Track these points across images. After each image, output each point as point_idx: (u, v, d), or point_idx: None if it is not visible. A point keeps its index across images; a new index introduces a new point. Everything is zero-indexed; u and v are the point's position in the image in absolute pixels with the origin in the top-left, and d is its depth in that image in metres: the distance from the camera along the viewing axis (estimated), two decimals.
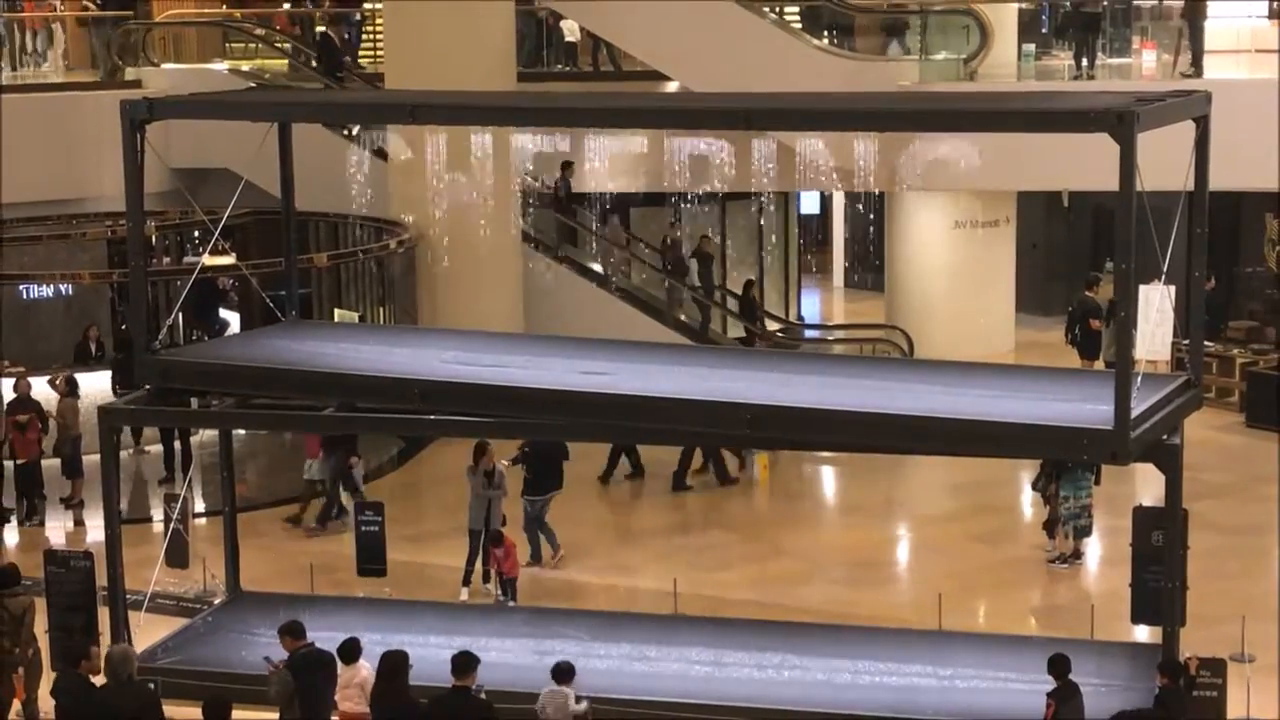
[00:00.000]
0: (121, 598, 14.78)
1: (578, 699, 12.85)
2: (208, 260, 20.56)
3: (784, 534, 19.50)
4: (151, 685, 12.94)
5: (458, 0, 22.84)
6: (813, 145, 24.21)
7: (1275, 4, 26.21)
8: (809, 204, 34.24)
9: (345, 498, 19.36)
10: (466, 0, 22.94)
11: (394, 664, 12.28)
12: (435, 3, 22.82)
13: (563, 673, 12.92)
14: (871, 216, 30.68)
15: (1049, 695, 12.32)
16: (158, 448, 21.66)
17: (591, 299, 25.36)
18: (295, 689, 12.55)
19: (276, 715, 12.92)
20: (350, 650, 12.90)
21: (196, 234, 25.60)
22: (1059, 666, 12.46)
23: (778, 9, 27.28)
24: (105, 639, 14.56)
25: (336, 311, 23.21)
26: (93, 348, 23.03)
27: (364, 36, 30.33)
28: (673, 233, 26.47)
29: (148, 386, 15.16)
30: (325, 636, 13.27)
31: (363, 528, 16.40)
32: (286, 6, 31.71)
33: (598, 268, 26.46)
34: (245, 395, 15.30)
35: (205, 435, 20.61)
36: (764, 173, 20.95)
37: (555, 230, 26.66)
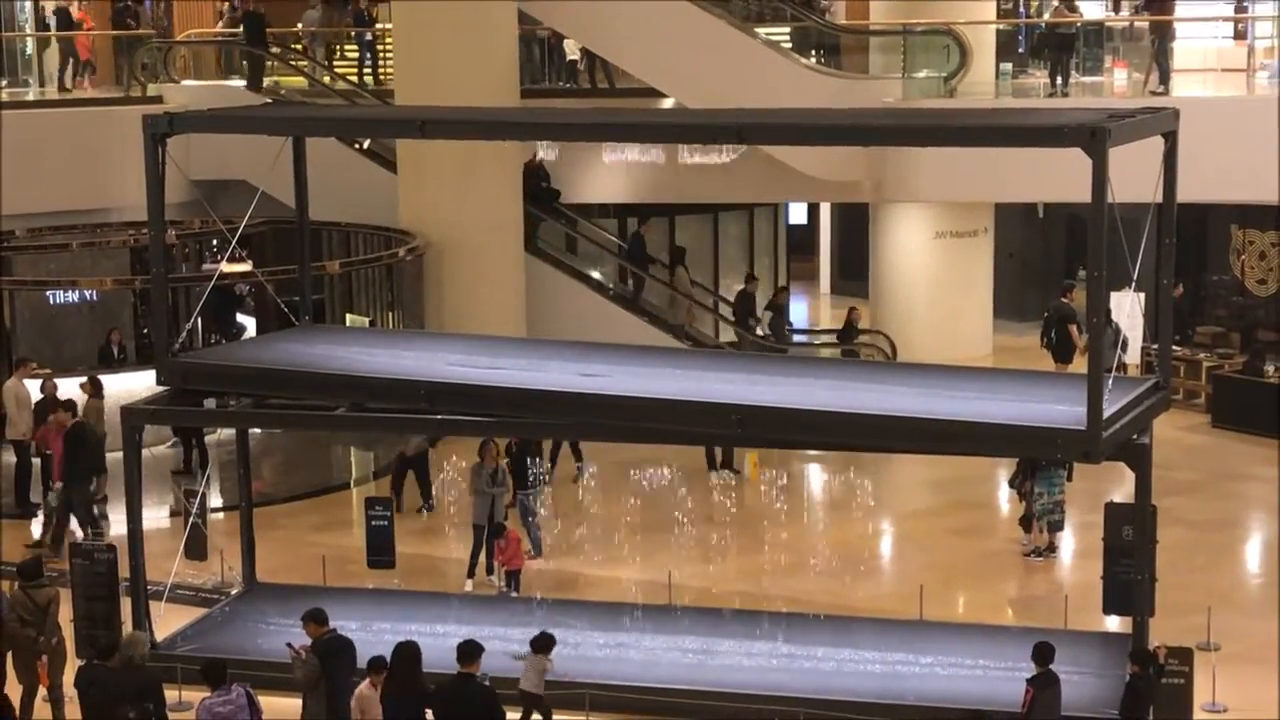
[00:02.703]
0: (143, 588, 14.77)
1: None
2: (225, 267, 20.58)
3: (773, 528, 19.45)
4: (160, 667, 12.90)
5: (464, 21, 22.85)
6: (802, 158, 24.46)
7: (1240, 25, 26.22)
8: (796, 214, 34.25)
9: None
10: (472, 21, 22.95)
11: (405, 655, 12.26)
12: (443, 23, 22.82)
13: (543, 643, 13.23)
14: (857, 226, 30.75)
15: (1028, 682, 12.30)
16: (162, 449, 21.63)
17: (591, 305, 25.36)
18: (321, 673, 12.53)
19: (293, 699, 12.92)
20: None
21: (215, 242, 25.58)
22: (1042, 654, 12.42)
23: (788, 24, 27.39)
24: (127, 628, 14.57)
25: (348, 316, 23.20)
26: (115, 350, 23.01)
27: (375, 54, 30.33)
28: (750, 286, 26.41)
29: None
30: (338, 625, 13.24)
31: (372, 522, 16.40)
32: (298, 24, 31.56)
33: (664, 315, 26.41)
34: (261, 396, 15.29)
35: (223, 434, 20.59)
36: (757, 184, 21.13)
37: (629, 279, 26.87)
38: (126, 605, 14.80)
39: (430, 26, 22.96)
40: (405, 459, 19.68)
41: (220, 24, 30.32)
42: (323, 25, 30.31)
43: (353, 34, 30.61)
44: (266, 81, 28.54)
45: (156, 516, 19.15)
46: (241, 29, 28.02)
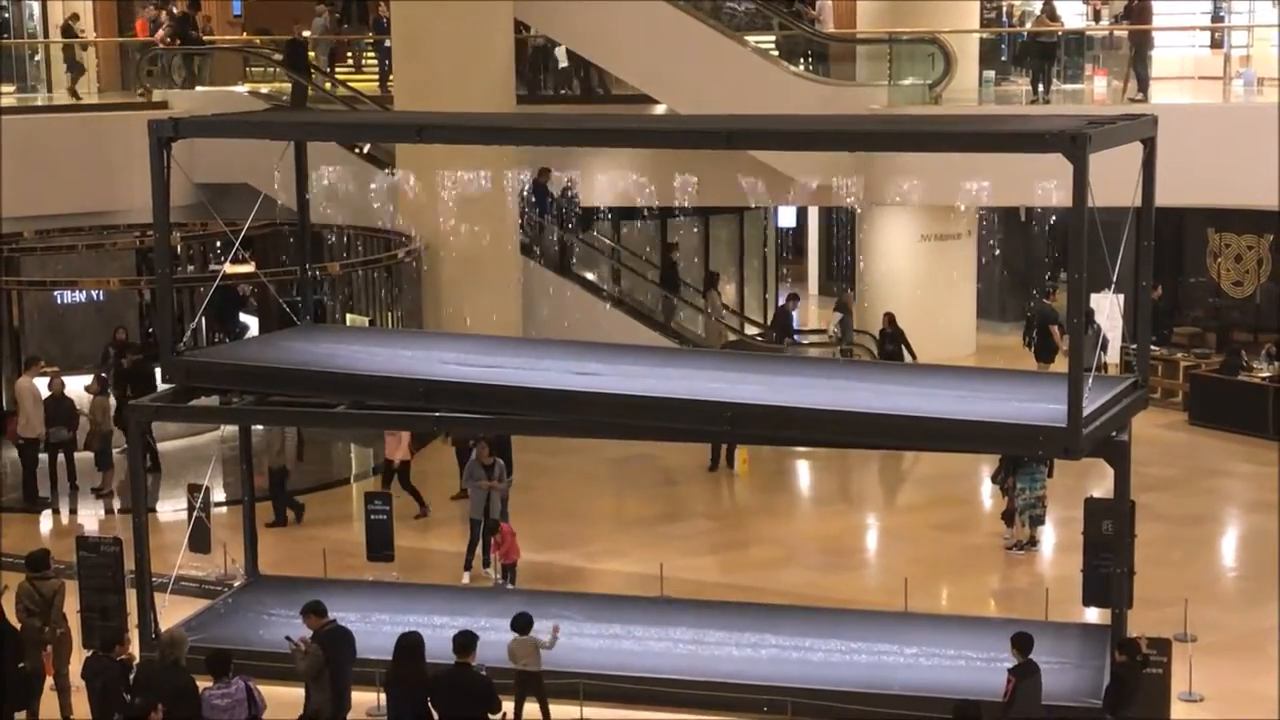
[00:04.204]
0: (148, 581, 14.74)
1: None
2: (229, 268, 20.54)
3: (762, 523, 19.50)
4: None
5: (462, 29, 22.85)
6: (791, 163, 24.46)
7: (1216, 34, 26.27)
8: (786, 218, 34.26)
9: None
10: (470, 29, 22.94)
11: (409, 645, 12.24)
12: (441, 31, 22.82)
13: (522, 623, 13.24)
14: (844, 230, 30.80)
15: (1010, 671, 12.32)
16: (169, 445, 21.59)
17: (585, 305, 25.37)
18: (325, 663, 12.49)
19: (295, 689, 12.90)
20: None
21: (218, 244, 25.53)
22: (1022, 644, 12.43)
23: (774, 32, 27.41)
24: (132, 619, 14.56)
25: (348, 316, 23.17)
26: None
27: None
28: (790, 304, 26.32)
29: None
30: (338, 616, 13.24)
31: (372, 516, 16.40)
32: (307, 34, 31.54)
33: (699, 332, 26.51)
34: (263, 393, 15.27)
35: (226, 430, 20.56)
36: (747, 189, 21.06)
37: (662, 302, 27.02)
38: (132, 597, 14.79)
39: (428, 34, 22.95)
40: (272, 473, 19.26)
41: (160, 32, 30.02)
42: (330, 33, 30.26)
43: (370, 41, 30.56)
44: (268, 88, 28.54)
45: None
46: (285, 55, 27.88)
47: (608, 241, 28.21)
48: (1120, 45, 25.79)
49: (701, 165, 25.16)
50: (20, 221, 25.07)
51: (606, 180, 26.54)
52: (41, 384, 20.24)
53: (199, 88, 28.02)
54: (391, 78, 26.36)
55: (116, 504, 19.93)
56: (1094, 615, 15.10)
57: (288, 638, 12.83)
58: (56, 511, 20.03)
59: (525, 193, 25.80)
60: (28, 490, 20.19)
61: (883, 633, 14.81)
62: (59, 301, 23.96)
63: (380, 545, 16.33)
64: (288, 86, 28.57)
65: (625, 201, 26.42)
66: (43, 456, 20.19)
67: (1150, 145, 13.19)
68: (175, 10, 28.01)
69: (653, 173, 25.98)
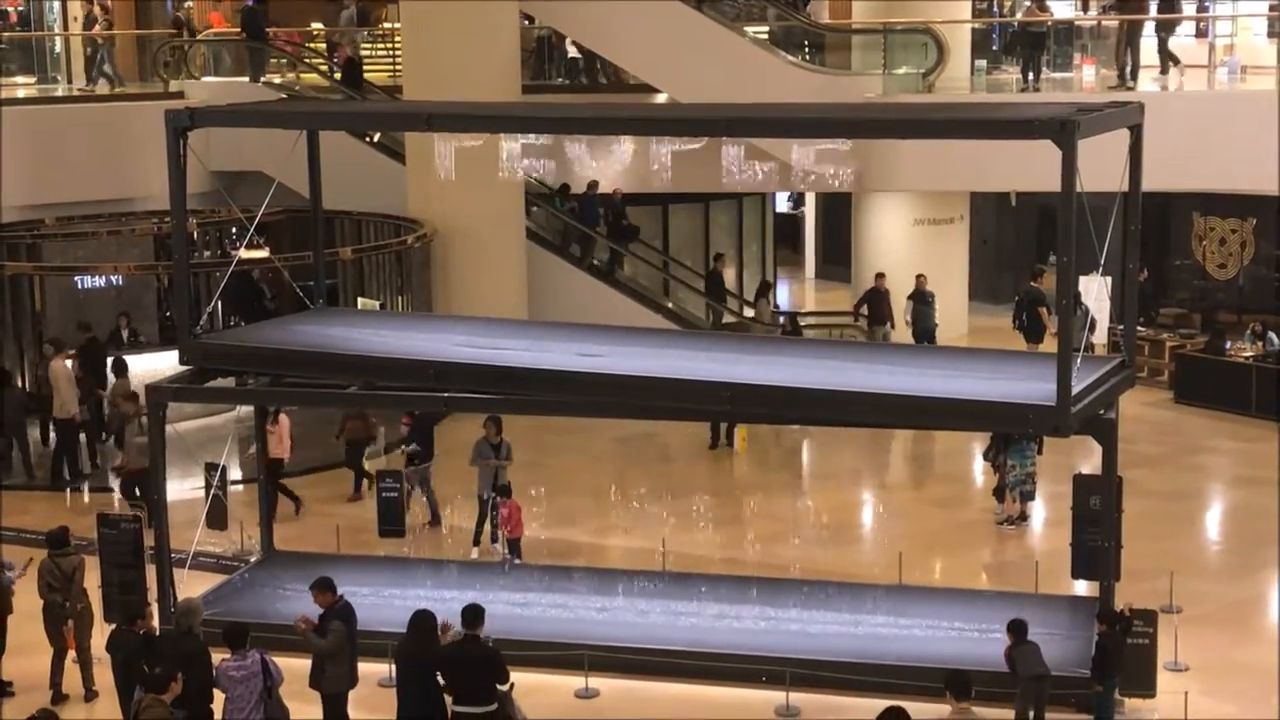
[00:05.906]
0: (167, 556, 14.76)
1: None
2: (244, 254, 20.52)
3: (761, 499, 19.47)
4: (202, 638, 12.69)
5: (468, 21, 22.80)
6: (788, 150, 24.39)
7: (1201, 24, 26.20)
8: (783, 203, 34.22)
9: None
10: (476, 21, 22.90)
11: (420, 623, 12.21)
12: (448, 23, 22.77)
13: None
14: (840, 214, 30.74)
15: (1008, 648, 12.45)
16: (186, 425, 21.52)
17: (589, 289, 25.34)
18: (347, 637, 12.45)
19: (300, 659, 12.90)
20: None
21: (234, 230, 25.52)
22: (1015, 628, 12.48)
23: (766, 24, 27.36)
24: (152, 593, 14.57)
25: (360, 300, 23.17)
26: (125, 335, 22.98)
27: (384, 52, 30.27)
28: (880, 283, 25.20)
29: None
30: (351, 590, 13.27)
31: (383, 494, 16.39)
32: (319, 26, 31.51)
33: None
34: (278, 375, 15.27)
35: (242, 410, 20.53)
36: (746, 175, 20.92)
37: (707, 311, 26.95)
38: (152, 572, 14.79)
39: (436, 27, 22.91)
40: (133, 473, 18.46)
41: (96, 27, 29.84)
42: (359, 25, 30.21)
43: (382, 33, 30.49)
44: (284, 79, 28.47)
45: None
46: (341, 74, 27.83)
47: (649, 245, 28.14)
48: (1108, 35, 25.73)
49: (702, 153, 25.17)
50: (41, 209, 25.08)
51: (613, 167, 26.51)
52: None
53: (262, 79, 27.92)
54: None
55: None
56: (1082, 588, 15.10)
57: (294, 622, 12.74)
58: (78, 490, 20.04)
59: (574, 208, 25.87)
60: (54, 470, 20.21)
61: (878, 605, 14.82)
62: (79, 286, 23.96)
63: (391, 521, 16.34)
64: (301, 78, 28.55)
65: (628, 187, 26.41)
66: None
67: (1137, 131, 13.16)
68: (252, 2, 28.06)
69: (653, 161, 25.91)
